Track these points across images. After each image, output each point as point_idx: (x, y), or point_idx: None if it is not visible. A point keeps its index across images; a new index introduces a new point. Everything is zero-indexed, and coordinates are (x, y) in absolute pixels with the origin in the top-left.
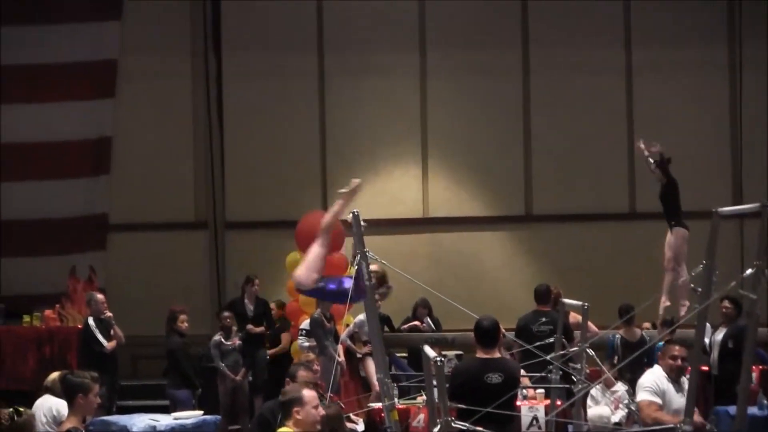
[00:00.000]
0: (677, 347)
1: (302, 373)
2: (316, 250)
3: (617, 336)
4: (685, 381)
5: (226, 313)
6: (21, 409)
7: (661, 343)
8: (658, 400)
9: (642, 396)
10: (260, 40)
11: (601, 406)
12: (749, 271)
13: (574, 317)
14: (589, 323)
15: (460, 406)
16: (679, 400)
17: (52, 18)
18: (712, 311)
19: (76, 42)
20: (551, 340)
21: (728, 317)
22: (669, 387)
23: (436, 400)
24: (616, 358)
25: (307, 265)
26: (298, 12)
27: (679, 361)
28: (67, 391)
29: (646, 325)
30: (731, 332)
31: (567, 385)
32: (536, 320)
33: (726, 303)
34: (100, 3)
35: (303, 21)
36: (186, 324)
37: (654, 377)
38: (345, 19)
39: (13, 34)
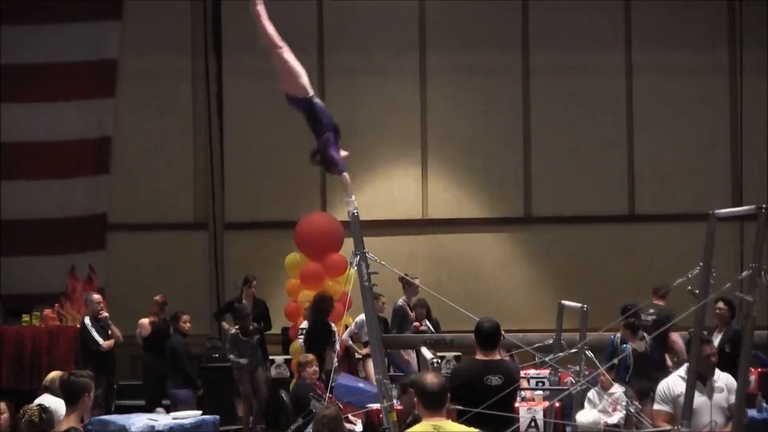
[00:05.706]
0: (708, 346)
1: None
2: (284, 57)
3: (618, 336)
4: (716, 379)
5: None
6: (46, 406)
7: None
8: (668, 408)
9: (654, 406)
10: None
11: (591, 411)
12: (745, 273)
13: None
14: None
15: (458, 407)
16: (698, 400)
17: (52, 17)
18: (707, 314)
19: (76, 41)
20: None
21: (722, 318)
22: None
23: None
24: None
25: (288, 75)
26: (298, 12)
27: (712, 359)
28: (72, 390)
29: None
30: (727, 336)
31: (566, 388)
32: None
33: (720, 304)
34: (100, 2)
35: (303, 21)
36: (189, 324)
37: (667, 383)
38: (345, 19)
39: (13, 34)
